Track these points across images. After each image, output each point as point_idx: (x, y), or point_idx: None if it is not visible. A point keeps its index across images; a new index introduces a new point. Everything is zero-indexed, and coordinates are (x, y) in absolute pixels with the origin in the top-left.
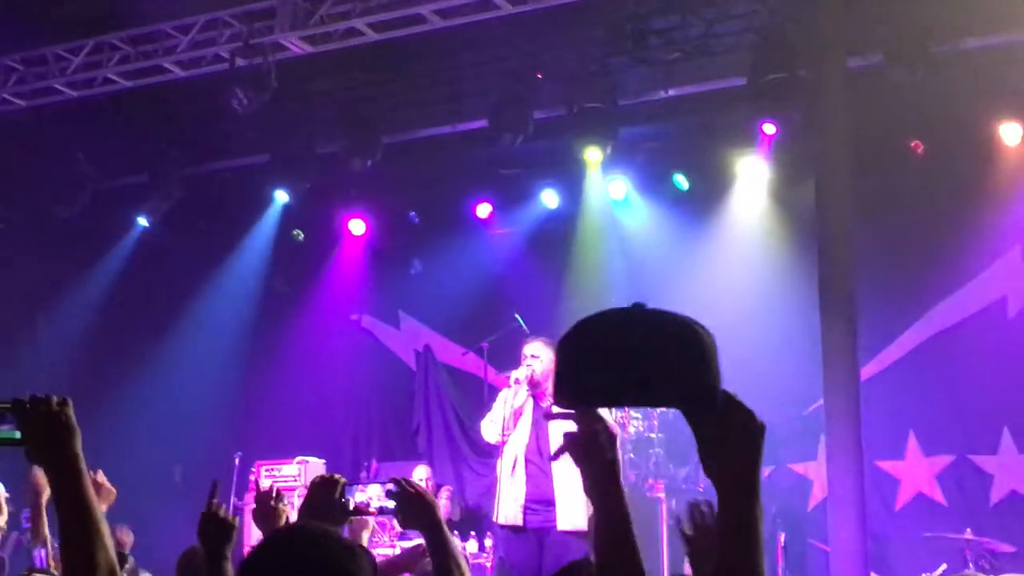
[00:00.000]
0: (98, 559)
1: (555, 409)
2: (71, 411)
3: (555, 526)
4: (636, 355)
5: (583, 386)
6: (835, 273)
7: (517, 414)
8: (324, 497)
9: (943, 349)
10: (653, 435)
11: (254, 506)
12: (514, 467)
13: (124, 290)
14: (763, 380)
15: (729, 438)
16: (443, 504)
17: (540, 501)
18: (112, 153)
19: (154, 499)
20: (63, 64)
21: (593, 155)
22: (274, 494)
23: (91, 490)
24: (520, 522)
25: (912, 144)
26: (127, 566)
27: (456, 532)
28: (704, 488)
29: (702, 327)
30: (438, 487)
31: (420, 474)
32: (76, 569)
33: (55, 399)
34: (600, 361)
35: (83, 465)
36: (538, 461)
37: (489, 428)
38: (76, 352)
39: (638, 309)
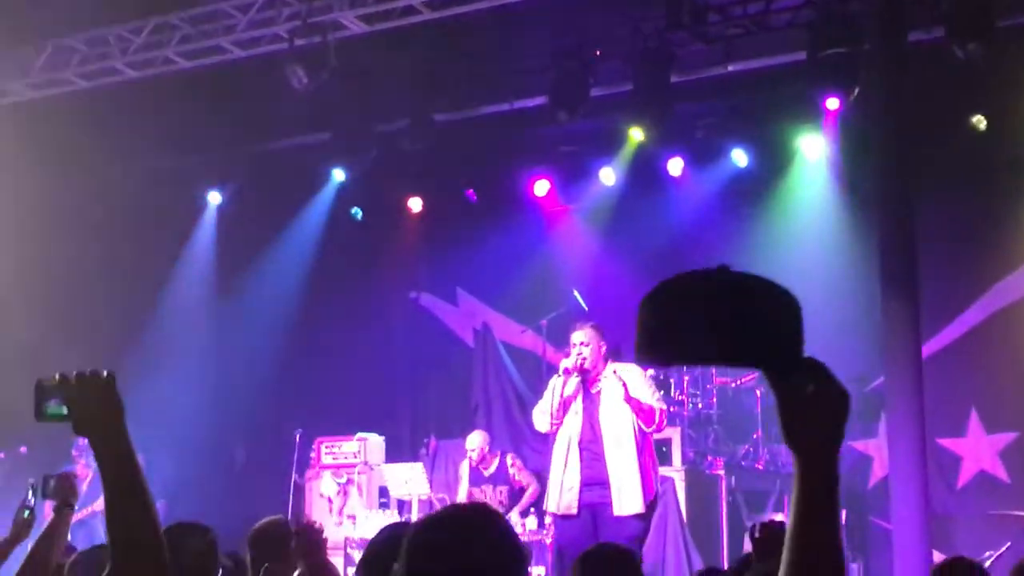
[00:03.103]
0: (148, 535)
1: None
2: (115, 385)
3: (610, 506)
4: (725, 314)
5: (669, 345)
6: (896, 249)
7: (567, 403)
8: None
9: (1006, 325)
10: (712, 412)
11: (295, 541)
12: (567, 456)
13: (188, 269)
14: (824, 357)
15: (814, 404)
16: (513, 474)
17: (595, 482)
18: (172, 133)
19: (216, 477)
20: (124, 44)
21: (651, 132)
22: (317, 527)
23: (138, 464)
24: (574, 511)
25: (974, 119)
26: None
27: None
28: (763, 465)
29: (789, 291)
30: (503, 454)
31: (475, 441)
32: (125, 545)
33: (101, 374)
34: (687, 320)
35: (129, 439)
36: (591, 446)
37: (540, 418)
38: (135, 332)
39: (723, 270)
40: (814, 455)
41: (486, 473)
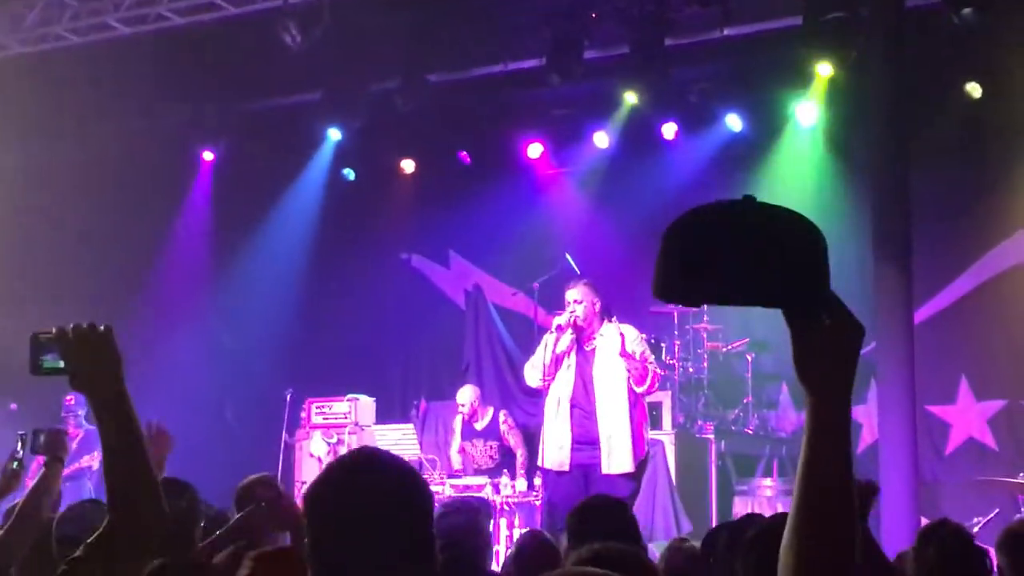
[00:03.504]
0: (145, 487)
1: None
2: (114, 338)
3: (600, 465)
4: (750, 255)
5: (690, 285)
6: (889, 216)
7: (560, 359)
8: None
9: (998, 293)
10: (703, 376)
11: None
12: (558, 411)
13: (181, 227)
14: None
15: (829, 337)
16: (504, 431)
17: (585, 442)
18: (165, 90)
19: (206, 436)
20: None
21: (646, 95)
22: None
23: (136, 418)
24: (566, 467)
25: (969, 85)
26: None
27: (506, 470)
28: (753, 429)
29: (815, 225)
30: (496, 410)
31: (466, 396)
32: (123, 498)
33: (98, 327)
34: (711, 259)
35: (127, 393)
36: (583, 404)
37: (531, 373)
38: (128, 291)
39: (749, 202)
40: (826, 389)
41: (478, 427)
